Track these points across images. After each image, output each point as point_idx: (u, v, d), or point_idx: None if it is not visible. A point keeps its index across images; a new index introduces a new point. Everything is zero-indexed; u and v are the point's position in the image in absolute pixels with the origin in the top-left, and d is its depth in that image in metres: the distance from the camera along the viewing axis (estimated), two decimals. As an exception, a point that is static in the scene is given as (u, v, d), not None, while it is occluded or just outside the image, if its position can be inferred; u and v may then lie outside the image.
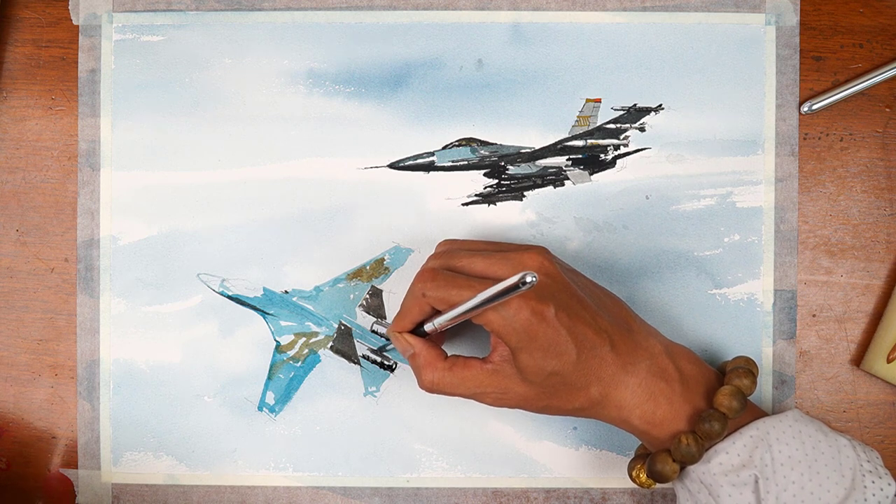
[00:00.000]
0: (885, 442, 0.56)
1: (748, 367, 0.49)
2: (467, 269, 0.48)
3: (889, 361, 0.54)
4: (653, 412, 0.47)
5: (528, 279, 0.42)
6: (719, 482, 0.46)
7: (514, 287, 0.42)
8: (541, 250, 0.48)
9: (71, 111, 0.56)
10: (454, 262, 0.48)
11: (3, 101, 0.56)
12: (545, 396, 0.47)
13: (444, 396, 0.56)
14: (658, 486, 0.54)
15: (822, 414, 0.56)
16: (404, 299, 0.49)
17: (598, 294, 0.49)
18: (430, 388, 0.49)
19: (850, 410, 0.56)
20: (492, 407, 0.49)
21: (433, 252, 0.51)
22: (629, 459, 0.55)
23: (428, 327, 0.49)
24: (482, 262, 0.48)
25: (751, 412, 0.48)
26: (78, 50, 0.56)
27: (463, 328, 0.55)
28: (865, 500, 0.45)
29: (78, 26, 0.56)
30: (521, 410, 0.55)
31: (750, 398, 0.53)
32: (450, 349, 0.55)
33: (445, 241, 0.52)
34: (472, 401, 0.50)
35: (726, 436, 0.47)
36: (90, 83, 0.56)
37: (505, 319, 0.45)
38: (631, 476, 0.50)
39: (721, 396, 0.47)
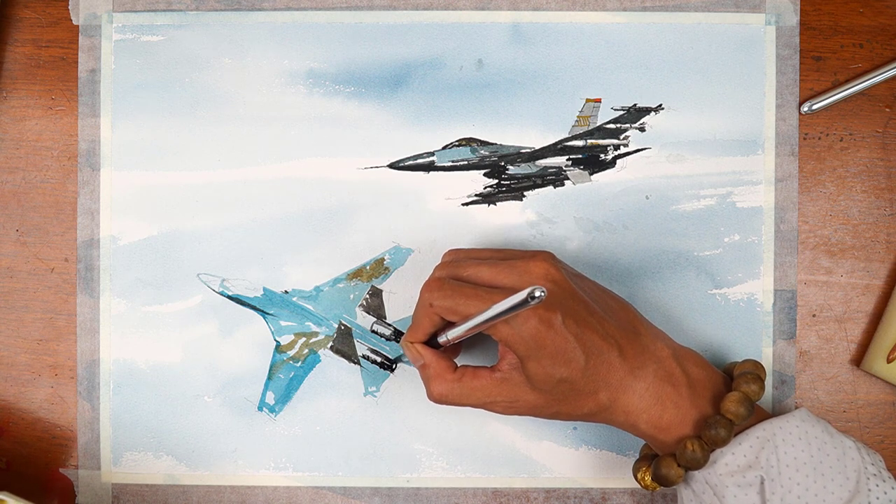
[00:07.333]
0: (884, 442, 0.56)
1: (756, 373, 0.49)
2: (473, 277, 0.48)
3: (889, 361, 0.54)
4: (660, 416, 0.47)
5: (537, 294, 0.41)
6: (725, 483, 0.46)
7: (524, 302, 0.42)
8: (547, 256, 0.48)
9: (71, 111, 0.56)
10: (460, 272, 0.48)
11: (3, 101, 0.56)
12: (554, 403, 0.47)
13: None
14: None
15: (822, 414, 0.56)
16: (415, 310, 0.49)
17: (605, 299, 0.49)
18: (440, 400, 0.49)
19: (850, 410, 0.56)
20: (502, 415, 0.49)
21: (439, 262, 0.51)
22: (633, 460, 0.55)
23: (441, 339, 0.49)
24: (488, 271, 0.47)
25: (756, 414, 0.48)
26: (78, 50, 0.56)
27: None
28: (869, 502, 0.45)
29: (78, 26, 0.56)
30: (521, 410, 0.55)
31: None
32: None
33: (451, 250, 0.52)
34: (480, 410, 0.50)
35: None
36: (90, 83, 0.56)
37: (513, 328, 0.45)
38: (637, 478, 0.50)
39: (728, 403, 0.47)
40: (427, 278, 0.49)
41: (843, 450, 0.46)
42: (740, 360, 0.52)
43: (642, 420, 0.47)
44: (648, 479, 0.49)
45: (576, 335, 0.46)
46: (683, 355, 0.49)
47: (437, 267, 0.50)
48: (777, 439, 0.46)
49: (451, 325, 0.48)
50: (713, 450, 0.46)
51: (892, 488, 0.46)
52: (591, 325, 0.46)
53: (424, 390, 0.55)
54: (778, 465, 0.45)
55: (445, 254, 0.52)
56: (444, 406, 0.54)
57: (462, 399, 0.48)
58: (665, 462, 0.47)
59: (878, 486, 0.46)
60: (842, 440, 0.47)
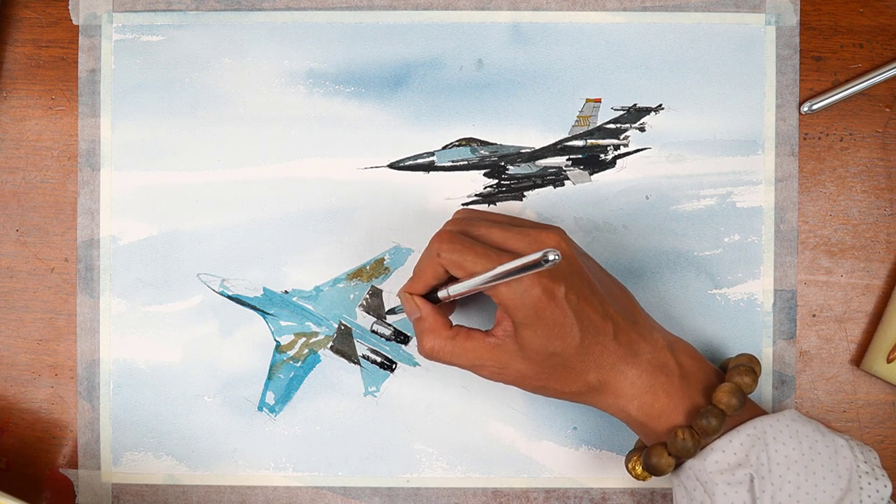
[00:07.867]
0: (884, 442, 0.56)
1: (750, 365, 0.49)
2: (485, 238, 0.48)
3: (889, 361, 0.54)
4: (651, 404, 0.47)
5: (551, 257, 0.42)
6: (715, 480, 0.46)
7: (536, 264, 0.42)
8: (558, 230, 0.48)
9: (71, 111, 0.56)
10: (472, 230, 0.48)
11: (3, 101, 0.56)
12: (543, 376, 0.48)
13: (441, 399, 0.56)
14: (653, 479, 0.54)
15: (822, 414, 0.56)
16: (419, 260, 0.49)
17: (608, 282, 0.50)
18: (430, 355, 0.49)
19: (850, 410, 0.56)
20: (489, 381, 0.49)
21: (451, 217, 0.51)
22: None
23: (441, 294, 0.49)
24: (500, 234, 0.47)
25: (749, 410, 0.48)
26: (78, 50, 0.56)
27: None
28: (861, 501, 0.45)
29: (78, 26, 0.56)
30: (520, 410, 0.55)
31: (750, 397, 0.53)
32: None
33: (462, 209, 0.52)
34: (470, 373, 0.49)
35: (723, 433, 0.47)
36: (90, 83, 0.56)
37: (515, 293, 0.45)
38: (627, 468, 0.50)
39: (720, 393, 0.47)
40: (437, 230, 0.49)
41: (835, 448, 0.46)
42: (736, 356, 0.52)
43: (633, 406, 0.47)
44: (639, 468, 0.49)
45: (576, 311, 0.46)
46: (678, 347, 0.49)
47: (448, 222, 0.50)
48: (768, 437, 0.46)
49: (452, 281, 0.48)
50: (704, 440, 0.47)
51: (885, 486, 0.46)
52: (591, 303, 0.46)
53: (423, 387, 0.55)
54: (768, 462, 0.45)
55: (457, 211, 0.52)
56: (438, 396, 0.55)
57: (453, 357, 0.48)
58: (655, 451, 0.47)
59: (870, 484, 0.46)
60: (833, 439, 0.47)
